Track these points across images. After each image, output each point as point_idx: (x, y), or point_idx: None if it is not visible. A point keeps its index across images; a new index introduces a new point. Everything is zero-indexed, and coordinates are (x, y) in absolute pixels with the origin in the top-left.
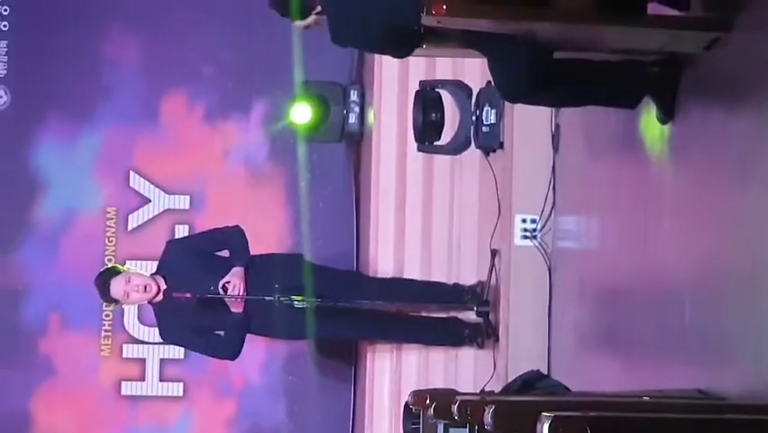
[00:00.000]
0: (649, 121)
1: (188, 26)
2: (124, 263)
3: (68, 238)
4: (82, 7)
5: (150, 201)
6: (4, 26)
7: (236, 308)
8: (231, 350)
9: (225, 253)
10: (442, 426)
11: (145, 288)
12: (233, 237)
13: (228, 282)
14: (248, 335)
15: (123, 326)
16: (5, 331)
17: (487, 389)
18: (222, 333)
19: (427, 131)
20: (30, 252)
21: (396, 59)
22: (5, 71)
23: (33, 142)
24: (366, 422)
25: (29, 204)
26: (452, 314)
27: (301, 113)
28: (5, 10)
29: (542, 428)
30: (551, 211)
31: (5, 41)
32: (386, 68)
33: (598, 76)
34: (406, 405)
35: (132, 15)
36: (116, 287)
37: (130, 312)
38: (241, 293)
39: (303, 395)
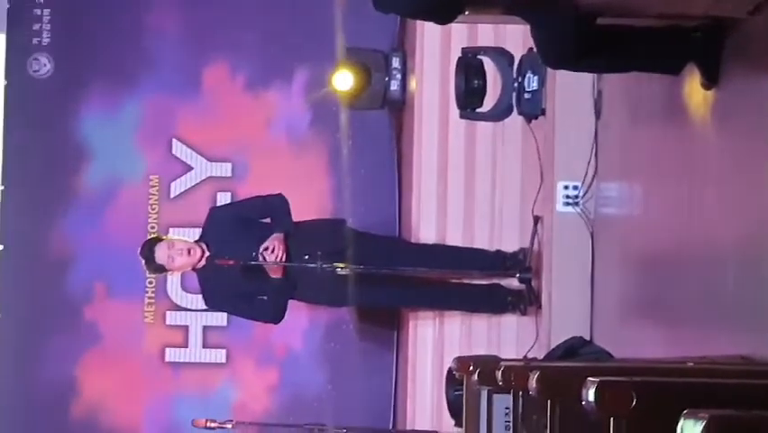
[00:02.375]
0: (692, 87)
1: None
2: (167, 231)
3: (112, 206)
4: None
5: (192, 169)
6: None
7: (276, 274)
8: (274, 314)
9: (268, 221)
10: (485, 392)
11: (189, 251)
12: (276, 205)
13: (266, 248)
14: (291, 301)
15: (167, 293)
16: (52, 299)
17: (529, 356)
18: (265, 297)
19: (469, 98)
20: (75, 221)
21: (438, 26)
22: (49, 40)
23: (77, 110)
24: (408, 389)
25: (73, 173)
26: (495, 281)
27: (343, 80)
28: None
29: (587, 393)
30: (593, 178)
31: (48, 10)
32: (428, 34)
33: (641, 42)
34: (450, 372)
35: None
36: (160, 253)
37: (173, 279)
38: (280, 258)
39: (345, 363)
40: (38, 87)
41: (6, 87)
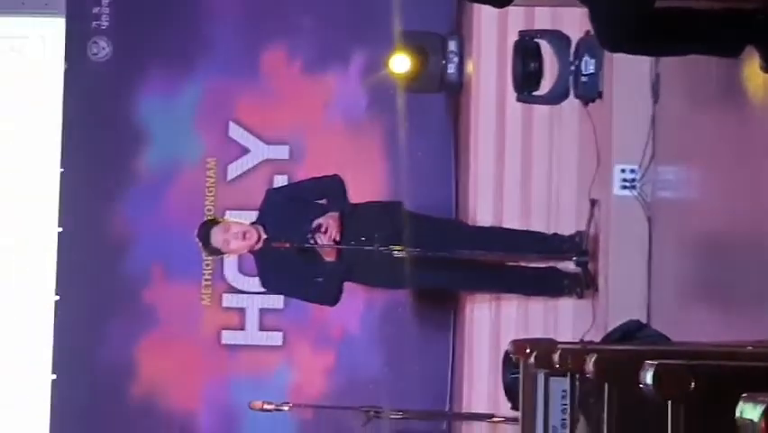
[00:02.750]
0: (752, 70)
1: None
2: (224, 214)
3: (170, 189)
4: None
5: (249, 152)
6: None
7: (329, 257)
8: (330, 296)
9: (324, 202)
10: (542, 375)
11: (244, 235)
12: (332, 185)
13: (319, 224)
14: (348, 284)
15: (223, 275)
16: (110, 282)
17: (586, 339)
18: (321, 279)
19: (526, 81)
20: (133, 204)
21: (495, 9)
22: (108, 24)
23: (135, 94)
24: (465, 372)
25: (131, 156)
26: (551, 264)
27: (400, 63)
28: None
29: (645, 376)
30: (650, 161)
31: None
32: (485, 18)
33: (701, 24)
34: (506, 354)
35: None
36: (216, 236)
37: (230, 262)
38: (334, 237)
39: (401, 345)
40: (97, 71)
41: (66, 71)
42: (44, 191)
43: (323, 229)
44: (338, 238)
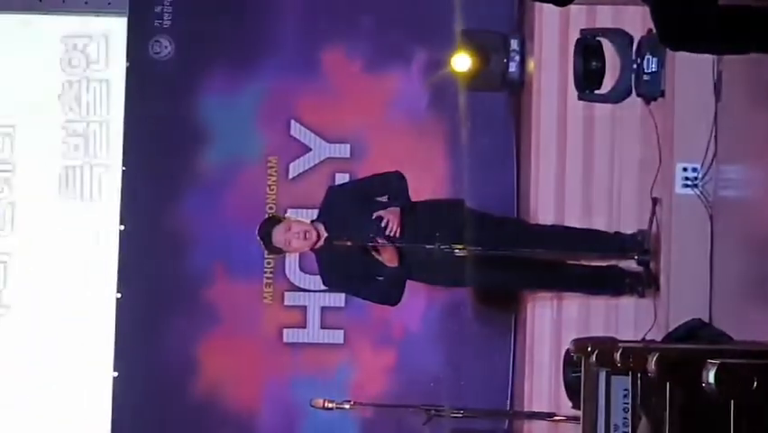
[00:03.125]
0: None
1: None
2: (285, 212)
3: (231, 188)
4: None
5: (310, 150)
6: None
7: (391, 263)
8: (391, 296)
9: (386, 199)
10: (604, 373)
11: (305, 234)
12: (393, 182)
13: (380, 217)
14: (408, 282)
15: (285, 274)
16: (171, 280)
17: (648, 338)
18: (382, 278)
19: (588, 79)
20: (194, 202)
21: (556, 8)
22: (170, 22)
23: (197, 92)
24: (526, 371)
25: (193, 154)
26: (613, 262)
27: (461, 62)
28: None
29: (707, 375)
30: (713, 160)
31: None
32: (546, 16)
33: (763, 22)
34: (567, 353)
35: None
36: (277, 235)
37: (291, 260)
38: (394, 231)
39: (462, 344)
40: (159, 69)
41: (128, 70)
42: (106, 190)
43: (384, 223)
44: (398, 233)
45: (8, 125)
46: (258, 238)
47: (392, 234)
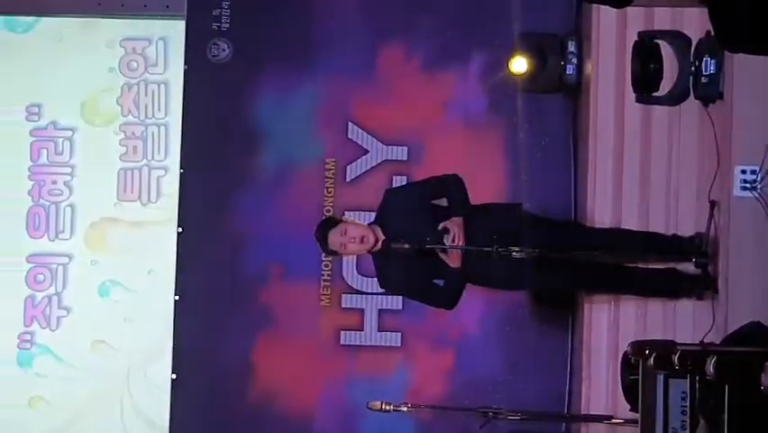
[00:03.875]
0: None
1: None
2: (343, 214)
3: (289, 190)
4: None
5: (368, 152)
6: None
7: (454, 263)
8: (449, 300)
9: (443, 202)
10: (662, 376)
11: (362, 239)
12: (452, 185)
13: (445, 228)
14: (466, 285)
15: (342, 276)
16: (230, 281)
17: (706, 340)
18: (440, 282)
19: (646, 82)
20: (252, 204)
21: (614, 9)
22: (228, 25)
23: (254, 94)
24: (584, 373)
25: (250, 156)
26: (671, 265)
27: (519, 64)
28: None
29: (766, 378)
30: None
31: None
32: (604, 18)
33: None
34: (625, 356)
35: None
36: (333, 238)
37: (348, 262)
38: (459, 242)
39: (520, 346)
40: (217, 72)
41: (186, 72)
42: (164, 192)
43: (450, 237)
44: (463, 243)
45: (68, 128)
46: (315, 239)
47: (456, 243)
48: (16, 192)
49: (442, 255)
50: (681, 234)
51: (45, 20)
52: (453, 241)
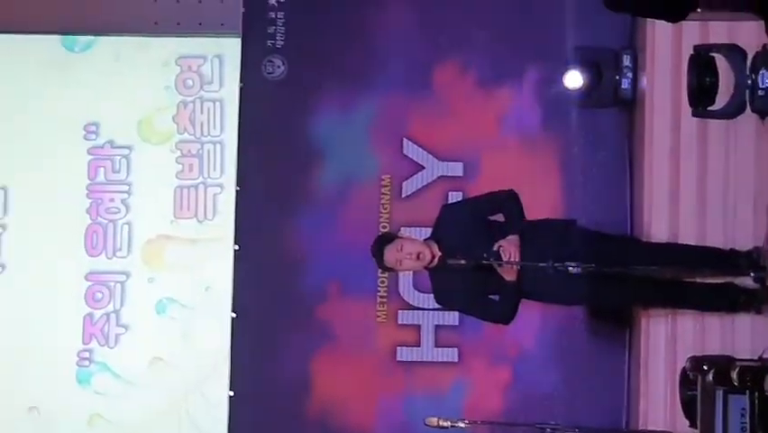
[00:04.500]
0: None
1: None
2: (399, 230)
3: (345, 206)
4: None
5: (423, 168)
6: None
7: (509, 276)
8: (505, 315)
9: (499, 218)
10: (720, 392)
11: (418, 255)
12: (507, 201)
13: (501, 247)
14: (522, 300)
15: (399, 292)
16: (286, 298)
17: (765, 356)
18: (496, 297)
19: (701, 95)
20: (308, 220)
21: (669, 23)
22: (283, 42)
23: (310, 111)
24: (641, 389)
25: (306, 173)
26: (728, 279)
27: (574, 79)
28: None
29: None
30: None
31: (283, 13)
32: (659, 32)
33: None
34: (683, 371)
35: None
36: (389, 255)
37: (405, 278)
38: (515, 259)
39: (577, 361)
40: (272, 89)
41: (242, 90)
42: (220, 209)
43: (504, 254)
44: (518, 259)
45: (125, 147)
46: (371, 255)
47: (512, 261)
48: (74, 211)
49: (496, 267)
50: (738, 248)
51: (102, 39)
52: (509, 257)
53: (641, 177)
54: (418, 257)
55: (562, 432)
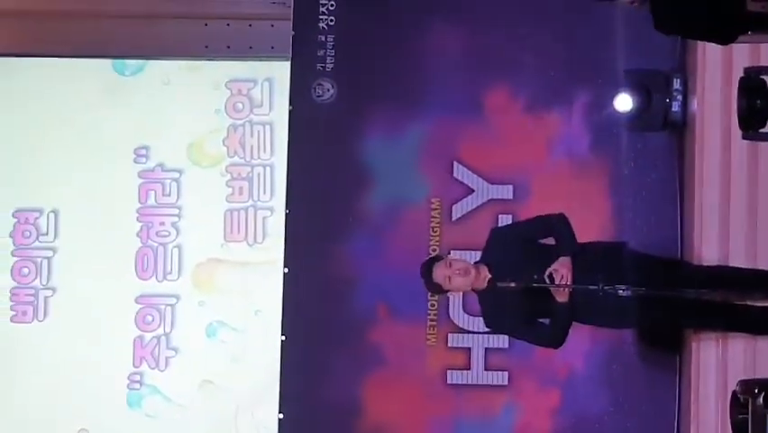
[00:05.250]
0: None
1: (510, 16)
2: (448, 253)
3: (394, 229)
4: (407, 0)
5: (473, 191)
6: (331, 21)
7: (561, 298)
8: (555, 339)
9: (549, 241)
10: None
11: (466, 271)
12: (558, 225)
13: (554, 271)
14: (572, 322)
15: (449, 315)
16: (337, 321)
17: None
18: (546, 321)
19: (752, 118)
20: (358, 243)
21: (719, 46)
22: (332, 65)
23: (359, 134)
24: (692, 412)
25: (355, 196)
26: None
27: (624, 102)
28: (332, 6)
29: None
30: None
31: (333, 36)
32: (709, 55)
33: None
34: (734, 394)
35: (456, 7)
36: (438, 271)
37: (455, 302)
38: (567, 282)
39: (627, 385)
40: (321, 112)
41: (291, 113)
42: (270, 232)
43: (556, 277)
44: (570, 282)
45: (175, 170)
46: (421, 277)
47: (564, 284)
48: (125, 234)
49: (550, 290)
50: None
51: (152, 63)
52: (561, 280)
53: (691, 199)
54: (466, 273)
55: None
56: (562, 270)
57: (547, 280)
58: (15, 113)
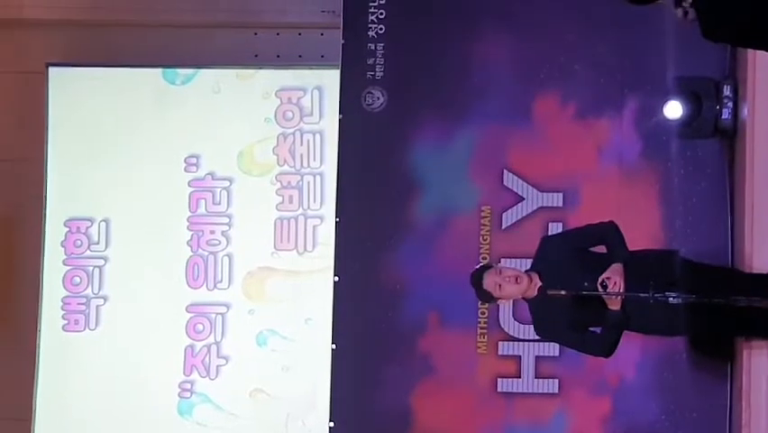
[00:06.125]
0: None
1: (559, 23)
2: (499, 261)
3: (444, 237)
4: (456, 8)
5: (523, 199)
6: (381, 29)
7: (614, 306)
8: (606, 348)
9: (599, 249)
10: None
11: (516, 279)
12: (609, 232)
13: (608, 278)
14: (623, 331)
15: (499, 323)
16: (387, 330)
17: None
18: (597, 329)
19: None
20: (408, 252)
21: None
22: (382, 74)
23: (409, 142)
24: (743, 421)
25: (406, 204)
26: None
27: (673, 109)
28: (381, 14)
29: None
30: None
31: (382, 44)
32: (760, 62)
33: None
34: None
35: (505, 14)
36: (489, 279)
37: (505, 310)
38: (620, 290)
39: (679, 393)
40: (371, 121)
41: (341, 121)
42: (320, 241)
43: (610, 284)
44: (623, 291)
45: (225, 179)
46: (471, 285)
47: (617, 292)
48: (176, 243)
49: (603, 298)
50: None
51: (203, 72)
52: (614, 287)
53: (742, 207)
54: (517, 281)
55: None
56: (614, 277)
57: (600, 288)
58: (67, 122)
